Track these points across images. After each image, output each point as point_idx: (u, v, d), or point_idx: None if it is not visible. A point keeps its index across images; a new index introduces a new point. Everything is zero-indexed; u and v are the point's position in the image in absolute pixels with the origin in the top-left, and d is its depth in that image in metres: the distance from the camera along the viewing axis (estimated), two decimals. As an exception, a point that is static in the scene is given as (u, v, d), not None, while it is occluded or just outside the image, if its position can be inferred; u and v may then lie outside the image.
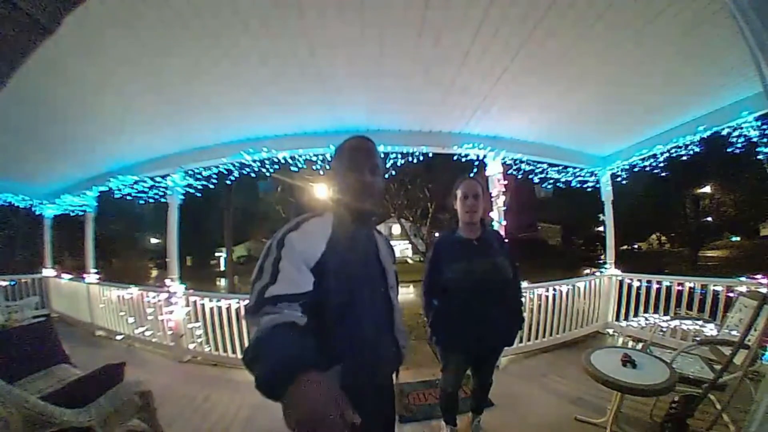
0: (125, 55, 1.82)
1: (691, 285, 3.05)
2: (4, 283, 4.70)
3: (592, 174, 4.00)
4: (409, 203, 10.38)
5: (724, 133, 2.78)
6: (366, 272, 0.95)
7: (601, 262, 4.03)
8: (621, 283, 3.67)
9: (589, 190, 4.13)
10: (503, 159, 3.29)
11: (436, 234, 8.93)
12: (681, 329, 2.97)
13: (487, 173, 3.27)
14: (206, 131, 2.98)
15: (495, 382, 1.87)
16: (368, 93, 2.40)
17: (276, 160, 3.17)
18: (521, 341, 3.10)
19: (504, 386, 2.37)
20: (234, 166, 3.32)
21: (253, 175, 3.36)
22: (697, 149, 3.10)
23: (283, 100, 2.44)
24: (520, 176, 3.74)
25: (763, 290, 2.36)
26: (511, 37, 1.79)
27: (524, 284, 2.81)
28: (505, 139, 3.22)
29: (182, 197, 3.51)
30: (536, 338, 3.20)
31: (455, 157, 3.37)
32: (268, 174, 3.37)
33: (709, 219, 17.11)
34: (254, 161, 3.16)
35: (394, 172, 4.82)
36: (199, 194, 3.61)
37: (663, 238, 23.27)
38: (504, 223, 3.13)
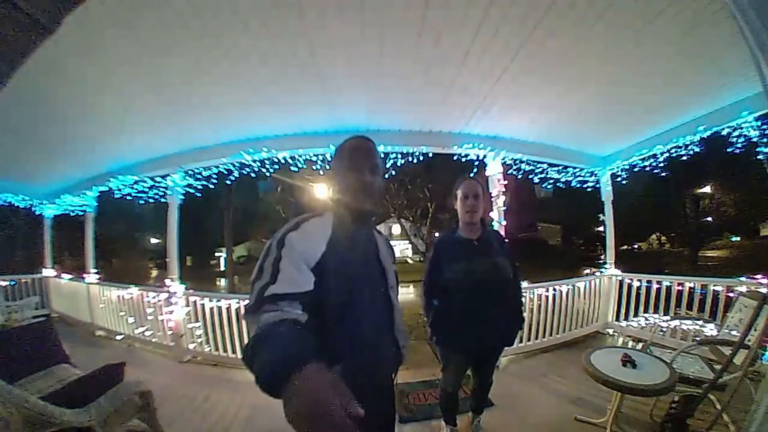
0: (125, 55, 1.82)
1: (691, 285, 3.05)
2: (4, 283, 4.70)
3: (592, 174, 4.00)
4: (409, 203, 10.37)
5: (724, 133, 2.78)
6: (366, 272, 0.94)
7: (601, 262, 4.03)
8: (621, 283, 3.67)
9: (589, 190, 4.13)
10: (503, 159, 3.29)
11: (436, 234, 8.94)
12: (681, 329, 2.97)
13: (487, 173, 3.27)
14: (206, 131, 2.98)
15: (495, 382, 1.87)
16: (368, 93, 2.40)
17: (276, 160, 3.17)
18: (521, 341, 3.10)
19: (504, 386, 2.37)
20: (234, 166, 3.32)
21: (253, 175, 3.36)
22: (697, 149, 3.10)
23: (283, 100, 2.44)
24: (520, 176, 3.74)
25: (763, 290, 2.36)
26: (511, 37, 1.80)
27: (524, 284, 2.81)
28: (505, 139, 3.22)
29: (182, 197, 3.51)
30: (536, 338, 3.20)
31: (455, 157, 3.37)
32: (268, 174, 3.37)
33: (709, 219, 17.12)
34: (254, 161, 3.16)
35: (394, 172, 4.82)
36: (199, 194, 3.60)
37: (663, 238, 23.29)
38: (504, 223, 3.13)
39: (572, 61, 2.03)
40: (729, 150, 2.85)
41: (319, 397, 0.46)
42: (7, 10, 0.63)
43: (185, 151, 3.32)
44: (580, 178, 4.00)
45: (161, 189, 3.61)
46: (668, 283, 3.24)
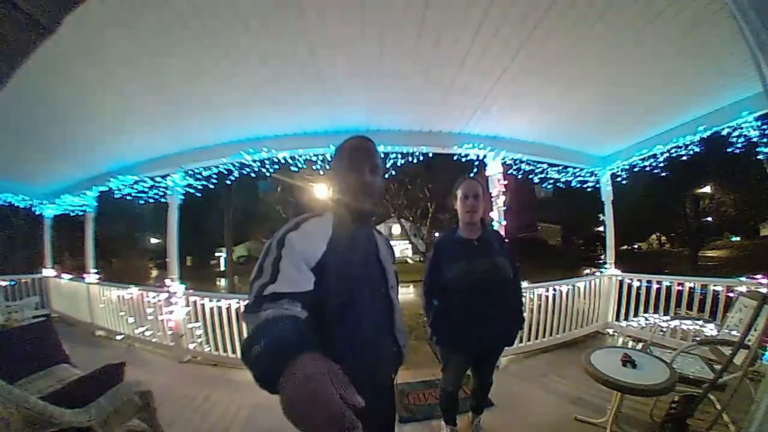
0: (125, 55, 1.82)
1: (691, 285, 3.05)
2: (4, 283, 4.70)
3: (592, 174, 4.00)
4: (409, 203, 10.39)
5: (724, 133, 2.77)
6: (366, 272, 0.94)
7: (601, 262, 4.03)
8: (621, 283, 3.67)
9: (589, 190, 4.13)
10: (503, 159, 3.29)
11: (436, 234, 8.95)
12: (681, 329, 2.97)
13: (487, 173, 3.27)
14: (206, 131, 2.98)
15: (495, 382, 1.87)
16: (368, 93, 2.40)
17: (276, 160, 3.16)
18: (521, 341, 3.10)
19: (504, 386, 2.37)
20: (234, 166, 3.32)
21: (253, 175, 3.36)
22: (697, 149, 3.10)
23: (283, 100, 2.44)
24: (520, 176, 3.74)
25: (763, 290, 2.36)
26: (511, 37, 1.79)
27: (524, 284, 2.80)
28: (505, 139, 3.22)
29: (182, 197, 3.51)
30: (536, 338, 3.20)
31: (455, 157, 3.37)
32: (268, 174, 3.37)
33: (709, 219, 17.12)
34: (254, 161, 3.16)
35: (394, 172, 4.82)
36: (199, 194, 3.60)
37: (663, 238, 23.30)
38: (504, 223, 3.13)
39: (572, 61, 2.03)
40: (729, 150, 2.85)
41: (315, 385, 0.43)
42: (7, 10, 0.63)
43: (185, 151, 3.32)
44: (580, 178, 3.99)
45: (161, 189, 3.61)
46: (668, 283, 3.24)
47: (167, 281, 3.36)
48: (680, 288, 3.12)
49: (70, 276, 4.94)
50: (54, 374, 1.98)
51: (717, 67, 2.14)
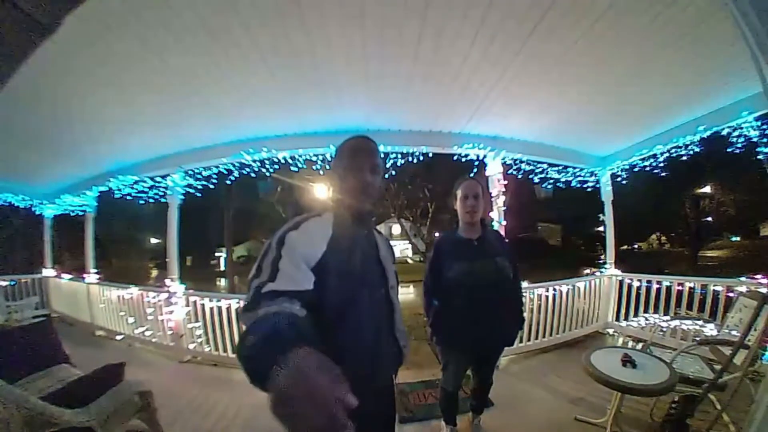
0: (125, 55, 1.82)
1: (691, 285, 3.05)
2: (4, 283, 4.69)
3: (592, 174, 4.00)
4: (409, 203, 10.39)
5: (724, 133, 2.77)
6: (366, 272, 0.94)
7: (601, 262, 4.03)
8: (621, 283, 3.67)
9: (589, 190, 4.13)
10: (503, 159, 3.29)
11: (437, 234, 8.94)
12: (681, 329, 2.97)
13: (487, 173, 3.27)
14: (206, 131, 2.98)
15: (495, 382, 1.87)
16: (368, 93, 2.39)
17: (276, 160, 3.17)
18: (521, 341, 3.10)
19: (504, 386, 2.37)
20: (234, 166, 3.32)
21: (253, 175, 3.36)
22: (697, 149, 3.10)
23: (283, 100, 2.45)
24: (520, 176, 3.74)
25: (763, 290, 2.36)
26: (511, 37, 1.79)
27: (524, 284, 2.80)
28: (505, 139, 3.22)
29: (182, 197, 3.52)
30: (536, 338, 3.20)
31: (455, 157, 3.37)
32: (268, 174, 3.37)
33: (709, 219, 17.10)
34: (254, 161, 3.16)
35: (394, 172, 4.82)
36: (199, 194, 3.61)
37: (663, 238, 23.29)
38: (504, 223, 3.13)
39: (572, 61, 2.02)
40: (729, 150, 2.85)
41: (306, 380, 0.40)
42: (7, 10, 0.63)
43: (185, 151, 3.32)
44: (580, 178, 4.00)
45: (161, 189, 3.61)
46: (668, 283, 3.24)
47: (167, 281, 3.37)
48: (680, 288, 3.12)
49: (70, 276, 4.94)
50: (54, 374, 1.98)
51: (717, 67, 2.14)
